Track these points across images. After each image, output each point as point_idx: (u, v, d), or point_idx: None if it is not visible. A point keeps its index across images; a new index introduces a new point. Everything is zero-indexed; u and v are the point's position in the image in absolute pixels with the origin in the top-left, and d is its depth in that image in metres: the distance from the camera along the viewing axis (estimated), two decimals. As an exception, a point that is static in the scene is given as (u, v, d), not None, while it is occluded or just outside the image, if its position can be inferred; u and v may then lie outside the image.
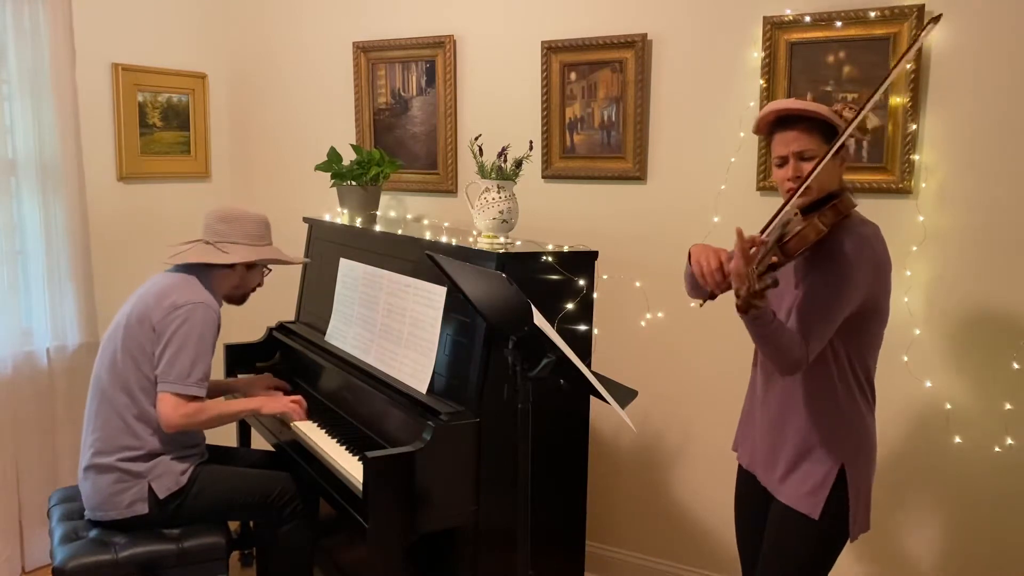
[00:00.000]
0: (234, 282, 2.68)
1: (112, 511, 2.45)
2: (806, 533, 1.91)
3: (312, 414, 2.76)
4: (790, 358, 1.79)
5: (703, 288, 1.91)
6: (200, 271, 2.60)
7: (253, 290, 2.77)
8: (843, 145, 1.85)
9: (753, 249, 1.71)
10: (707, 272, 1.88)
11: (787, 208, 1.83)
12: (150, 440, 2.48)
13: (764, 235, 1.81)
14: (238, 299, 2.75)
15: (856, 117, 1.79)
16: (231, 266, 2.63)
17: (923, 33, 1.84)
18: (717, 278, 1.88)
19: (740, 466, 2.17)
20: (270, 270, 2.79)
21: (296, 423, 2.70)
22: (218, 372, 3.30)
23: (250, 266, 2.68)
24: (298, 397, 2.76)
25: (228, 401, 2.75)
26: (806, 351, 1.80)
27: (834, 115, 1.85)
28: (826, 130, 1.86)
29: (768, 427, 2.00)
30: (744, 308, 1.71)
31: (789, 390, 1.95)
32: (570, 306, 2.52)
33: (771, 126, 1.94)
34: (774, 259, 1.78)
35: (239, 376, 3.29)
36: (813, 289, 1.83)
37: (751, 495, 2.10)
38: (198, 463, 2.58)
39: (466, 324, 2.41)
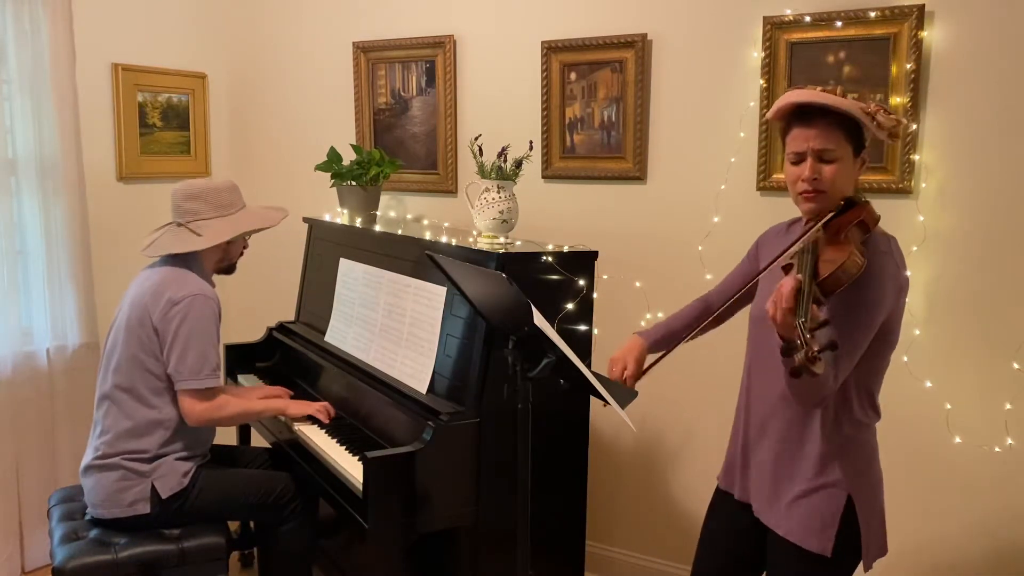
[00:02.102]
0: (218, 256, 2.65)
1: (114, 508, 2.45)
2: (816, 569, 1.77)
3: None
4: (822, 394, 1.65)
5: None
6: (185, 256, 2.57)
7: (240, 255, 2.74)
8: (865, 147, 1.74)
9: (790, 298, 1.50)
10: (618, 376, 2.04)
11: (810, 233, 1.67)
12: (158, 441, 2.47)
13: (795, 269, 1.60)
14: (227, 270, 2.73)
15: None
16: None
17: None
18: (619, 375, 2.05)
19: (724, 496, 2.02)
20: (250, 234, 2.74)
21: (297, 424, 2.70)
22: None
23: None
24: (324, 403, 2.74)
25: (252, 399, 2.72)
26: (835, 385, 1.66)
27: (865, 115, 1.68)
28: (851, 127, 1.69)
29: (769, 459, 1.85)
30: (797, 374, 1.45)
31: (791, 421, 1.80)
32: (570, 306, 2.52)
33: (789, 117, 1.76)
34: (815, 307, 1.52)
35: (239, 377, 3.29)
36: (840, 319, 1.65)
37: (728, 520, 1.98)
38: (200, 464, 2.58)
39: (466, 324, 2.41)
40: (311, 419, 2.71)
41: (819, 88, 1.73)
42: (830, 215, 1.69)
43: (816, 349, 1.43)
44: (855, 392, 1.76)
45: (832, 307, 1.66)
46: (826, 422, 1.77)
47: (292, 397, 2.95)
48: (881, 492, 1.87)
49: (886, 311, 1.69)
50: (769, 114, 1.82)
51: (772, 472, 1.84)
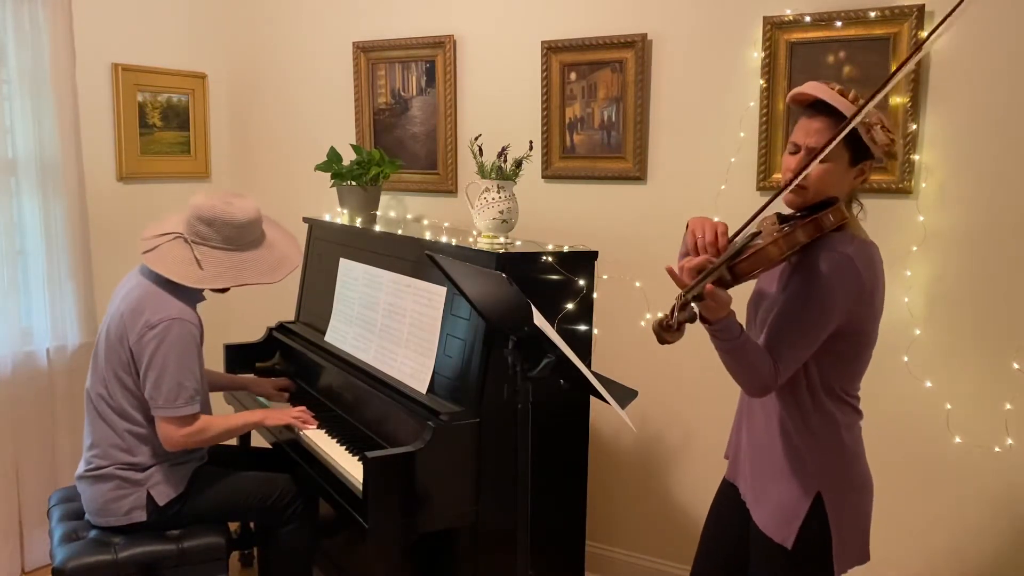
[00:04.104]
0: None
1: (110, 517, 2.44)
2: (782, 563, 1.79)
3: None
4: (757, 379, 1.67)
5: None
6: None
7: None
8: (869, 157, 1.72)
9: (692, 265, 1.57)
10: (701, 246, 1.70)
11: (765, 213, 1.68)
12: (147, 453, 2.46)
13: (728, 245, 1.65)
14: (220, 290, 2.60)
15: (853, 118, 1.62)
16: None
17: (925, 40, 1.68)
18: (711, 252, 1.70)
19: (724, 480, 2.05)
20: None
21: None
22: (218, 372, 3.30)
23: None
24: (302, 408, 2.73)
25: (231, 416, 2.69)
26: (775, 372, 1.66)
27: (861, 124, 1.67)
28: (852, 133, 1.67)
29: (751, 444, 1.90)
30: (658, 338, 1.54)
31: (768, 410, 1.83)
32: (570, 306, 2.52)
33: (802, 107, 1.77)
34: (708, 287, 1.55)
35: (242, 375, 3.29)
36: (788, 308, 1.70)
37: (730, 509, 1.98)
38: (198, 465, 2.58)
39: (466, 324, 2.41)
40: (314, 418, 2.71)
41: (837, 88, 1.72)
42: (777, 196, 1.68)
43: (675, 319, 1.50)
44: (822, 391, 1.76)
45: (786, 297, 1.71)
46: (794, 416, 1.77)
47: (292, 394, 3.01)
48: (865, 498, 1.84)
49: (840, 312, 1.67)
50: (788, 98, 1.83)
51: (752, 463, 1.88)
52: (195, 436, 2.43)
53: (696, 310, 1.54)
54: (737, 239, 1.69)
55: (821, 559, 1.78)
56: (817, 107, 1.73)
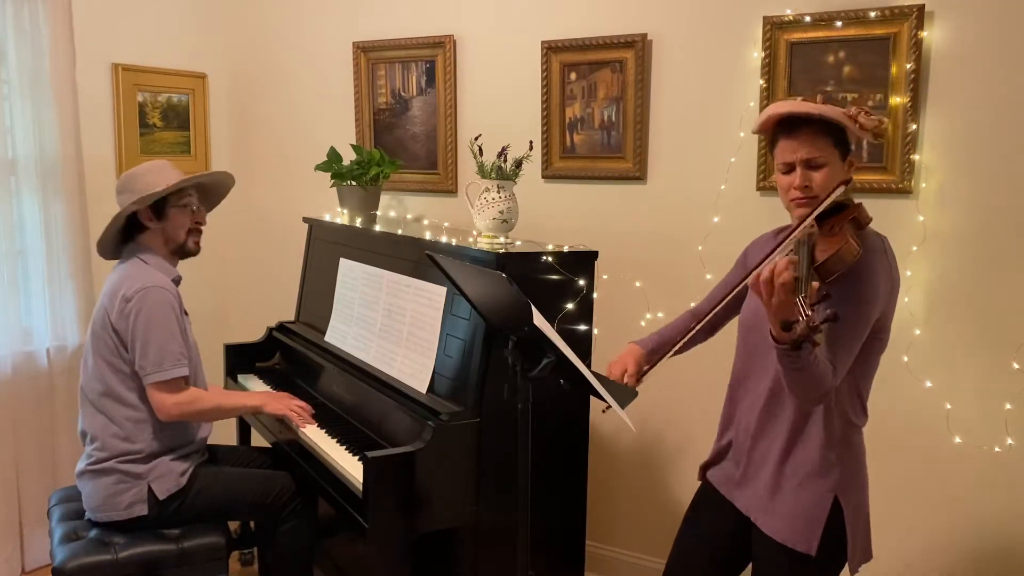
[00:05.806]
0: (161, 239, 2.55)
1: (111, 512, 2.45)
2: (806, 571, 1.79)
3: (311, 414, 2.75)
4: (821, 390, 1.65)
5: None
6: (137, 250, 2.53)
7: (193, 231, 2.60)
8: (852, 150, 1.76)
9: (786, 273, 1.51)
10: (618, 376, 2.05)
11: (804, 225, 1.69)
12: (148, 442, 2.47)
13: (786, 255, 1.63)
14: (185, 251, 2.61)
15: (837, 187, 1.70)
16: (143, 228, 2.52)
17: None
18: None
19: (707, 488, 2.06)
20: (196, 205, 2.59)
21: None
22: (218, 372, 3.31)
23: (159, 214, 2.52)
24: (303, 403, 2.73)
25: (229, 393, 2.70)
26: (834, 379, 1.66)
27: (846, 118, 1.71)
28: (835, 132, 1.73)
29: (752, 455, 1.88)
30: (797, 346, 1.47)
31: (777, 417, 1.82)
32: (570, 306, 2.52)
33: (774, 129, 1.79)
34: (816, 284, 1.52)
35: (239, 377, 3.28)
36: (840, 311, 1.61)
37: (719, 520, 1.99)
38: (198, 463, 2.58)
39: (466, 324, 2.41)
40: (315, 418, 2.71)
41: (799, 98, 1.77)
42: (820, 208, 1.70)
43: (818, 320, 1.44)
44: (846, 393, 1.78)
45: (832, 304, 1.66)
46: (820, 423, 1.77)
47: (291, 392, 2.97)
48: (867, 496, 1.86)
49: (880, 307, 1.72)
50: (753, 128, 1.86)
51: (764, 473, 1.85)
52: (188, 405, 2.46)
53: (833, 311, 1.48)
54: (796, 248, 1.64)
55: (839, 562, 1.80)
56: (791, 123, 1.75)
